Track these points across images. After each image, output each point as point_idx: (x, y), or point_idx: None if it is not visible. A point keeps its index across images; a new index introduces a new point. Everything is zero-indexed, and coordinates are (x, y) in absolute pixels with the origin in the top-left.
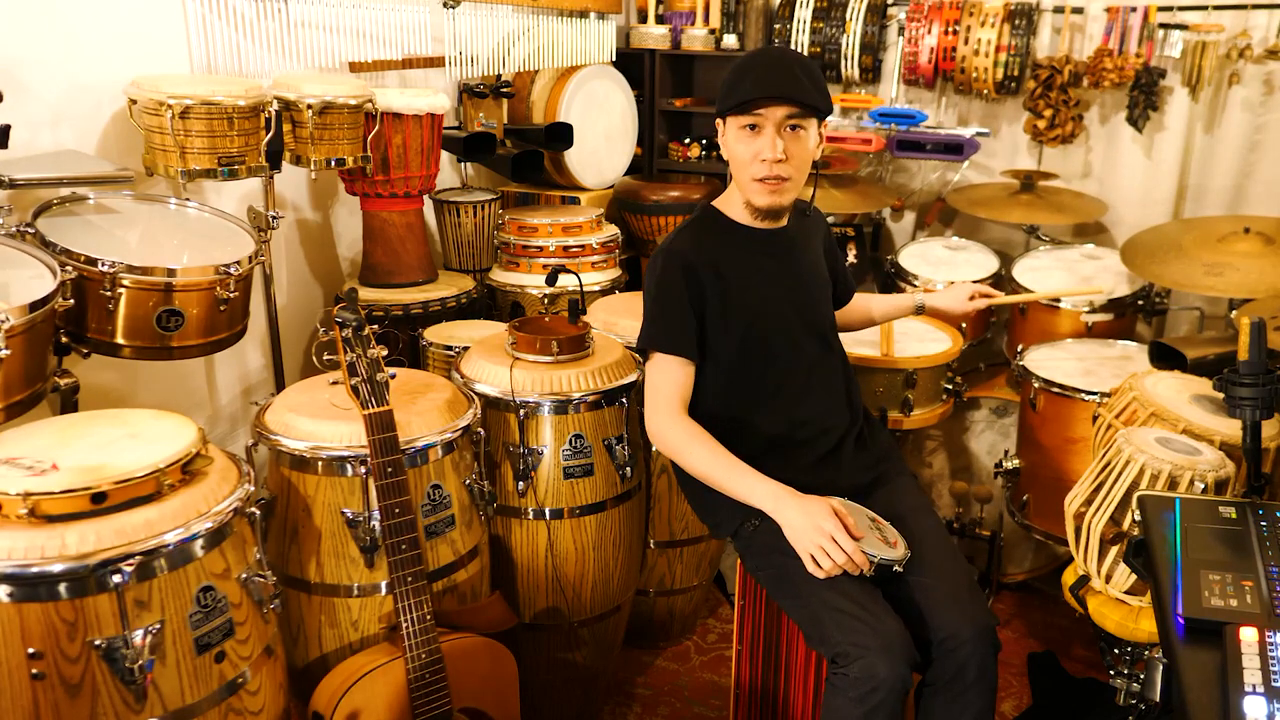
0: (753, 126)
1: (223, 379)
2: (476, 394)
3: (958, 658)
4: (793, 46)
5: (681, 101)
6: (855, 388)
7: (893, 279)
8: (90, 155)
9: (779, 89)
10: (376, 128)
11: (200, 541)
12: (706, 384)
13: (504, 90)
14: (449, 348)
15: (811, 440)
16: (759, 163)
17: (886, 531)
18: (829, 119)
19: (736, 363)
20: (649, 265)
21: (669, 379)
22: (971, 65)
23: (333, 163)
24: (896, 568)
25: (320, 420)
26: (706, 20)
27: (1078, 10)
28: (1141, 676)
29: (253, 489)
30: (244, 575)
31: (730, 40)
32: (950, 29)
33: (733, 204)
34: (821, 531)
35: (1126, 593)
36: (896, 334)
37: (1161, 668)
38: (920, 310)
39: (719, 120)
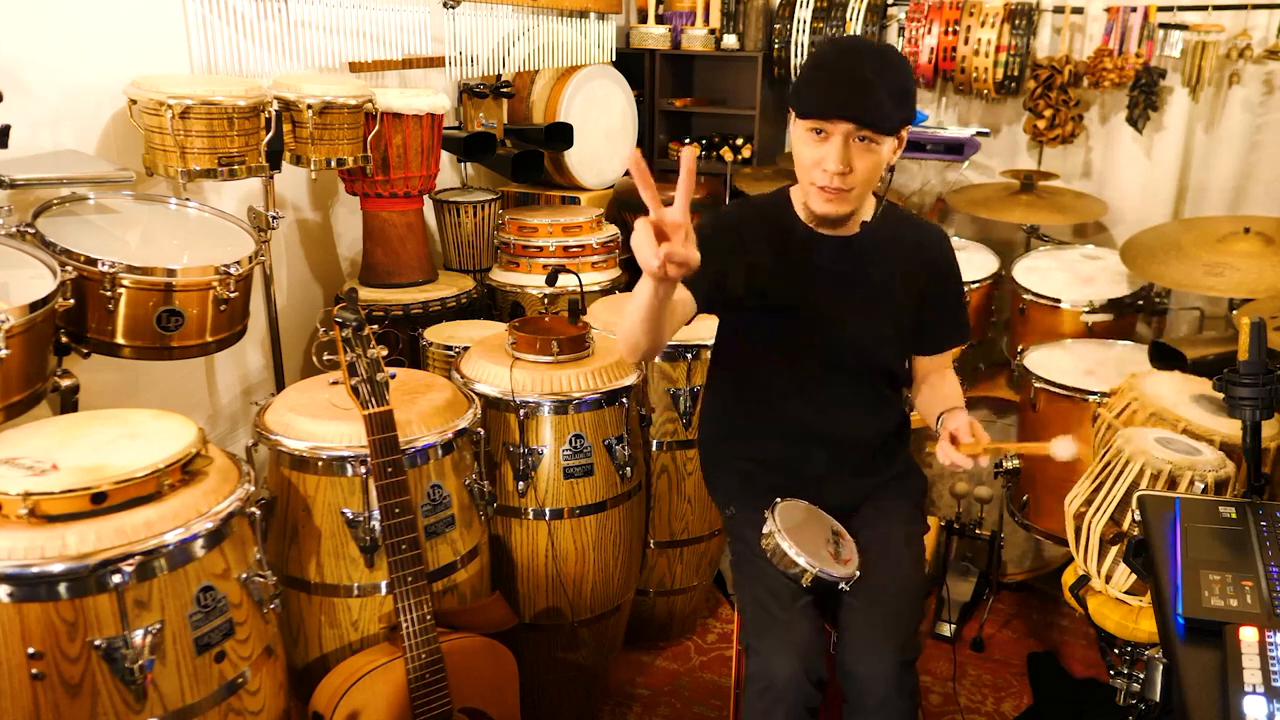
0: (819, 131)
1: (223, 379)
2: (476, 394)
3: (859, 687)
4: (793, 46)
5: (681, 101)
6: (884, 413)
7: None
8: (90, 155)
9: (849, 107)
10: (376, 128)
11: (200, 541)
12: (727, 341)
13: (504, 90)
14: (449, 348)
15: (805, 443)
16: (820, 171)
17: (844, 547)
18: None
19: (741, 340)
20: None
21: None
22: (971, 65)
23: (333, 163)
24: (842, 585)
25: (320, 420)
26: (706, 20)
27: (1078, 10)
28: (1141, 676)
29: (253, 489)
30: (244, 575)
31: (730, 40)
32: (950, 29)
33: (800, 199)
34: (637, 248)
35: (1126, 593)
36: None
37: (1161, 668)
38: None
39: (790, 112)
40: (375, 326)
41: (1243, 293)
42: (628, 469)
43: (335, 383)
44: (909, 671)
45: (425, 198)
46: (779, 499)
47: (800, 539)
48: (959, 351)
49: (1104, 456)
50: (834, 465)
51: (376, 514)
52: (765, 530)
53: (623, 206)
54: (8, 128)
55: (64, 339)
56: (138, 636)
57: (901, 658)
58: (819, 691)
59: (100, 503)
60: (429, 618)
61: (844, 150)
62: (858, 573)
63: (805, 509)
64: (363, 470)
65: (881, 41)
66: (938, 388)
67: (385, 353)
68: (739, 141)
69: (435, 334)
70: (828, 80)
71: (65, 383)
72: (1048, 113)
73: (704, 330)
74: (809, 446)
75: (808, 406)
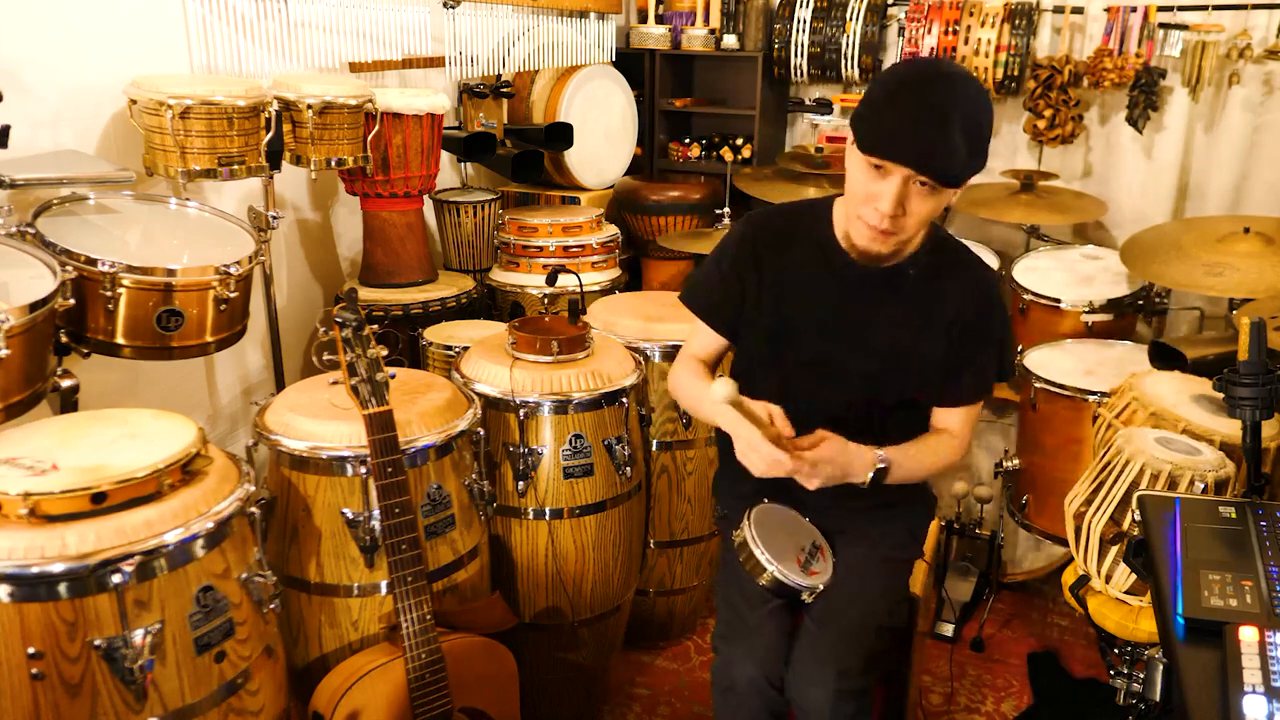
0: (879, 167)
1: (223, 379)
2: (476, 394)
3: (799, 712)
4: (793, 46)
5: (681, 101)
6: (886, 444)
7: None
8: (90, 155)
9: (919, 155)
10: (376, 128)
11: (200, 541)
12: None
13: (504, 90)
14: (449, 348)
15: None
16: (872, 209)
17: (818, 561)
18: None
19: (752, 367)
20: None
21: (698, 340)
22: (971, 65)
23: (333, 163)
24: (805, 596)
25: (320, 420)
26: (706, 20)
27: (1078, 10)
28: (1141, 676)
29: (253, 489)
30: (244, 575)
31: (730, 40)
32: (950, 29)
33: (841, 219)
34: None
35: (1126, 593)
36: None
37: (1161, 668)
38: None
39: (850, 130)
40: (375, 326)
41: (1243, 293)
42: (627, 469)
43: (335, 383)
44: (847, 702)
45: (425, 198)
46: (765, 499)
47: (771, 541)
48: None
49: (1104, 456)
50: (839, 487)
51: (376, 514)
52: (738, 526)
53: (623, 206)
54: (8, 128)
55: (64, 339)
56: (138, 636)
57: (839, 686)
58: (783, 695)
59: (100, 503)
60: (429, 618)
61: (901, 191)
62: (821, 586)
63: (789, 516)
64: (363, 470)
65: (966, 73)
66: (918, 440)
67: (385, 353)
68: (739, 141)
69: (435, 334)
70: (899, 116)
71: (65, 383)
72: (1048, 113)
73: None
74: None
75: (806, 425)
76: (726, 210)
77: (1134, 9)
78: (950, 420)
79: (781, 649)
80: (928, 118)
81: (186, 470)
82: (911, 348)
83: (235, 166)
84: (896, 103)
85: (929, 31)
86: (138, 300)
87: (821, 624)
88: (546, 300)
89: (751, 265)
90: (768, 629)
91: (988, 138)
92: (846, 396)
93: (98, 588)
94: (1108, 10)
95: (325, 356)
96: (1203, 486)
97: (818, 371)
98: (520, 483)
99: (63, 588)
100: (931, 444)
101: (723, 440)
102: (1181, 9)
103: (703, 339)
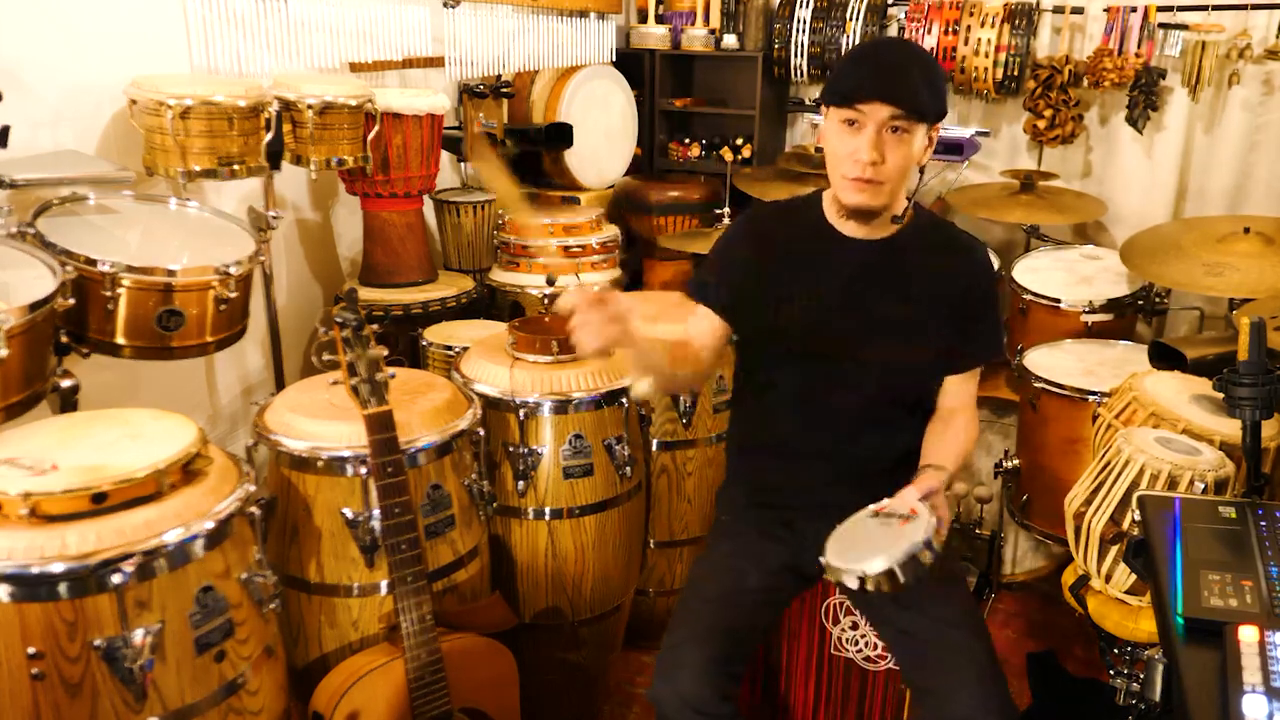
0: (852, 122)
1: (223, 379)
2: (476, 394)
3: None
4: (793, 46)
5: (681, 101)
6: (902, 432)
7: None
8: (90, 155)
9: (885, 89)
10: (376, 128)
11: (200, 541)
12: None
13: (504, 90)
14: (449, 348)
15: (812, 459)
16: (853, 162)
17: (896, 506)
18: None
19: (765, 363)
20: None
21: (694, 325)
22: (971, 65)
23: (333, 163)
24: (931, 538)
25: (320, 420)
26: (706, 20)
27: (1078, 10)
28: (1141, 676)
29: (253, 489)
30: (244, 575)
31: (730, 40)
32: (950, 29)
33: (831, 199)
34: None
35: (1126, 593)
36: None
37: (1161, 668)
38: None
39: (823, 107)
40: (375, 326)
41: (1243, 293)
42: (627, 469)
43: (335, 383)
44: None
45: (425, 198)
46: (819, 559)
47: (868, 552)
48: (977, 375)
49: (1104, 456)
50: (840, 482)
51: (376, 514)
52: (847, 587)
53: (623, 206)
54: (8, 128)
55: (64, 339)
56: (138, 636)
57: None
58: None
59: (100, 503)
60: (429, 618)
61: (877, 139)
62: (924, 509)
63: (840, 533)
64: (363, 470)
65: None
66: (941, 432)
67: (385, 353)
68: (739, 141)
69: (435, 334)
70: (862, 67)
71: (65, 383)
72: (1048, 113)
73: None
74: (815, 462)
75: (819, 422)
76: (726, 210)
77: (1134, 9)
78: (961, 390)
79: (714, 681)
80: (884, 60)
81: (186, 470)
82: (924, 325)
83: (235, 166)
84: (856, 58)
85: (929, 31)
86: (138, 300)
87: (960, 660)
88: (546, 300)
89: (751, 256)
90: (691, 667)
91: (943, 86)
92: (862, 387)
93: (98, 588)
94: (1108, 10)
95: (325, 356)
96: (1203, 486)
97: (832, 357)
98: (520, 483)
99: (63, 588)
100: (956, 433)
101: (729, 445)
102: (1181, 9)
103: (700, 323)
